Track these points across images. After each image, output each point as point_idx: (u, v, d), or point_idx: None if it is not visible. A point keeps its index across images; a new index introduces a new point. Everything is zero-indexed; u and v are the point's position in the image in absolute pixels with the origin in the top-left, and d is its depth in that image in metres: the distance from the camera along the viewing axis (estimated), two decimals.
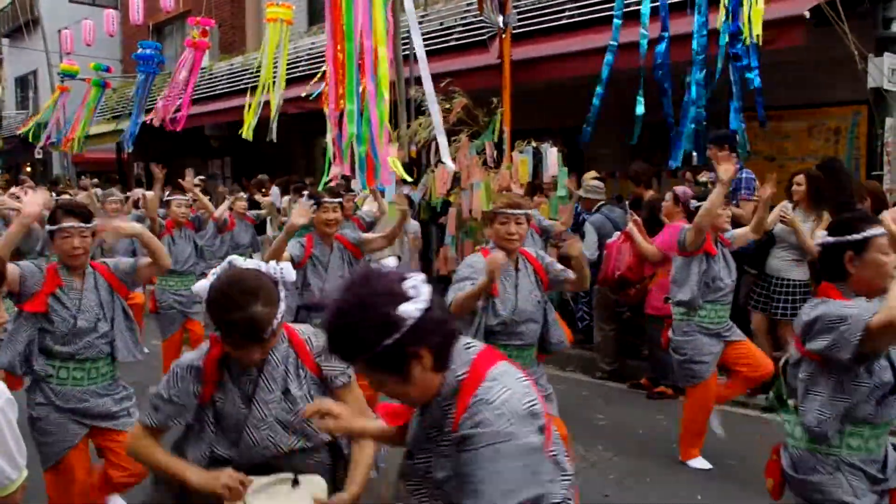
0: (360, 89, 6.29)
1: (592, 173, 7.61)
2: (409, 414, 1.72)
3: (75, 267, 3.51)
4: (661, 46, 6.34)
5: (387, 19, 6.39)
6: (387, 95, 6.23)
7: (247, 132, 9.16)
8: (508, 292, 3.68)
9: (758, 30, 5.77)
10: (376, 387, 1.59)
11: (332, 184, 7.61)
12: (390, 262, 6.41)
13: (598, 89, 6.62)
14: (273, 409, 2.21)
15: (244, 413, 2.21)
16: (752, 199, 6.20)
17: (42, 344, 3.43)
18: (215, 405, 2.24)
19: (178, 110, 11.79)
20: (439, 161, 7.89)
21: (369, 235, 4.98)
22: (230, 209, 7.92)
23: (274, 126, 8.71)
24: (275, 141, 8.93)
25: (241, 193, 9.22)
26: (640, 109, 6.59)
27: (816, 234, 5.50)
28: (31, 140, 17.32)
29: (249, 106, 9.21)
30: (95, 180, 15.10)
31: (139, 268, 3.61)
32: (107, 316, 3.53)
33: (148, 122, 12.14)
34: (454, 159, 7.82)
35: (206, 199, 7.42)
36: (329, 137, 6.82)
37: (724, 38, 6.04)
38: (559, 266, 3.88)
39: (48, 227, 3.53)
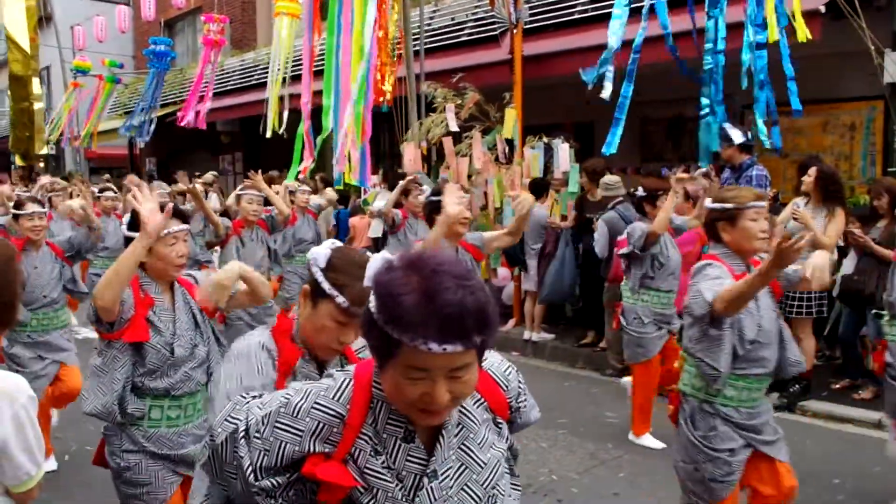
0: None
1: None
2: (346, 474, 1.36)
3: (167, 280, 2.90)
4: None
5: (369, 13, 6.40)
6: (365, 94, 6.25)
7: (273, 128, 8.93)
8: (750, 307, 2.88)
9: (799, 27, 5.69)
10: (458, 389, 1.30)
11: (302, 175, 7.57)
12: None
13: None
14: None
15: None
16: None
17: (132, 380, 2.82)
18: None
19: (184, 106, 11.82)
20: (458, 155, 7.90)
21: (490, 234, 4.50)
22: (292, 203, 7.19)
23: (278, 120, 8.63)
24: (285, 136, 8.88)
25: (305, 186, 8.12)
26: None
27: (829, 230, 5.48)
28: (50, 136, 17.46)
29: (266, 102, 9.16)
30: (107, 176, 15.17)
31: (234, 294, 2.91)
32: (204, 339, 2.94)
33: (180, 123, 12.15)
34: (468, 155, 7.82)
35: (279, 196, 6.37)
36: (302, 129, 6.86)
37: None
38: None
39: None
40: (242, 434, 1.36)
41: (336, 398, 1.37)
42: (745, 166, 6.24)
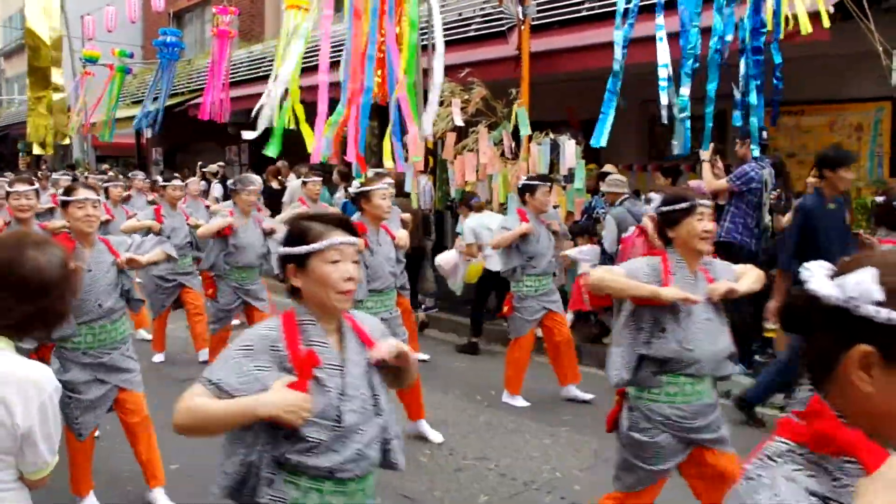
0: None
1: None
2: None
3: (333, 315, 2.05)
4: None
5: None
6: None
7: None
8: None
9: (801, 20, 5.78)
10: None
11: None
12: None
13: (610, 85, 6.49)
14: None
15: None
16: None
17: (274, 453, 1.95)
18: None
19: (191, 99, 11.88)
20: (464, 150, 7.93)
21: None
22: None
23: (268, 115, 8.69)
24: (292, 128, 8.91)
25: (315, 177, 8.25)
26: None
27: None
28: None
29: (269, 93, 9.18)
30: (106, 166, 15.24)
31: None
32: (380, 401, 2.07)
33: (201, 118, 12.21)
34: (474, 150, 7.85)
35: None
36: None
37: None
38: None
39: (296, 249, 1.99)
40: None
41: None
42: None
